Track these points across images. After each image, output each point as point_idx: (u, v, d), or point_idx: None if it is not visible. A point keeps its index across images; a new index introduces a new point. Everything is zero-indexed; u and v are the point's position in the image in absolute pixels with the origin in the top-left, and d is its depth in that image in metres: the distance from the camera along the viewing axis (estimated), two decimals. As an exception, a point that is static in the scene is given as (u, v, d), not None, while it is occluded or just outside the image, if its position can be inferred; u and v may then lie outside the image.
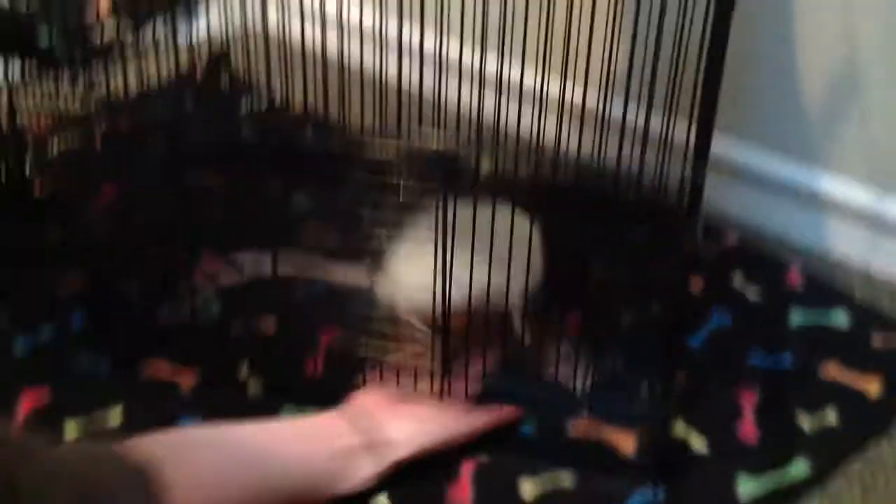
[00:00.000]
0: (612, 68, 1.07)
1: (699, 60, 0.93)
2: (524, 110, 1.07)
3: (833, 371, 1.09)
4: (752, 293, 1.20)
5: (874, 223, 1.26)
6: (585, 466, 0.97)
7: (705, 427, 1.02)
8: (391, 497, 0.94)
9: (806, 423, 1.03)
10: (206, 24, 1.30)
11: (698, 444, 1.00)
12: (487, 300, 0.93)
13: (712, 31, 0.81)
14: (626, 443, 1.00)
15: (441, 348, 0.96)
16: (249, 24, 1.30)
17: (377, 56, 1.19)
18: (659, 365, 1.00)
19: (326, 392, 1.02)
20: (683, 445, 1.00)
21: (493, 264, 0.91)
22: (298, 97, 1.11)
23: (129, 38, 1.06)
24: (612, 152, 1.09)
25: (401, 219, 0.99)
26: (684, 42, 0.93)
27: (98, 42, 1.02)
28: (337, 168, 0.94)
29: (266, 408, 1.02)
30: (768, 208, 1.33)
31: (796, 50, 1.26)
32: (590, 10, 0.93)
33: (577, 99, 1.13)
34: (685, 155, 1.10)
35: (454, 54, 1.15)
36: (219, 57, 1.59)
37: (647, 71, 0.92)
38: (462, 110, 1.19)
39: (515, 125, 1.09)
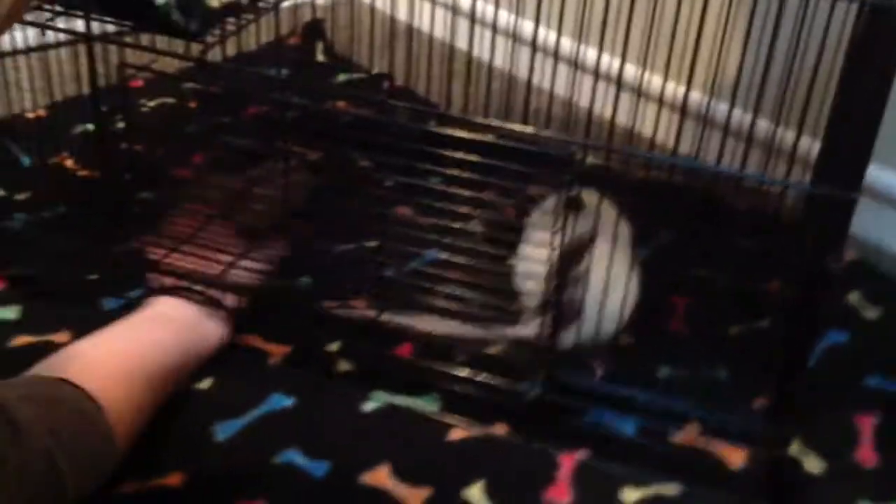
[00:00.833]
0: (723, 72, 1.03)
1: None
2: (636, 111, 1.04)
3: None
4: (870, 312, 1.14)
5: None
6: (690, 477, 0.92)
7: (820, 448, 0.96)
8: (487, 495, 0.89)
9: (928, 451, 0.97)
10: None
11: (813, 465, 0.95)
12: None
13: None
14: (734, 456, 0.95)
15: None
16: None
17: (475, 38, 1.16)
18: (774, 381, 0.95)
19: (416, 380, 0.99)
20: (797, 465, 0.95)
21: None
22: (398, 72, 1.09)
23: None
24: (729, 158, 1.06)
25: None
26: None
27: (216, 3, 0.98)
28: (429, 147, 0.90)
29: (354, 390, 0.99)
30: (889, 225, 1.26)
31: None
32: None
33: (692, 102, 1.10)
34: (815, 169, 1.06)
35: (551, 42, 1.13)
36: (313, 25, 1.57)
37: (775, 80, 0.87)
38: (556, 100, 1.16)
39: (623, 122, 1.04)
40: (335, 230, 1.14)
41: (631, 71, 1.20)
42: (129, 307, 1.07)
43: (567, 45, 1.24)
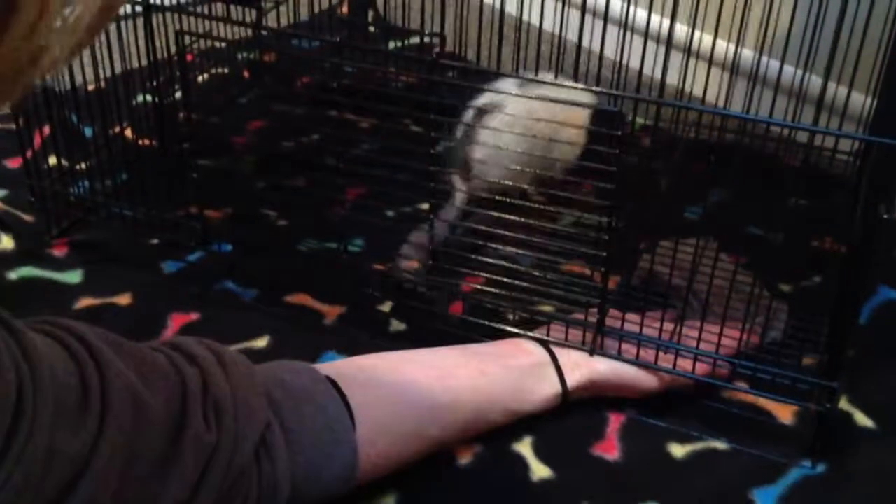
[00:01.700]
0: (775, 28, 1.02)
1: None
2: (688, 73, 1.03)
3: None
4: (923, 268, 1.13)
5: None
6: (739, 432, 0.93)
7: (871, 404, 0.97)
8: (536, 450, 0.91)
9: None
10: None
11: (862, 421, 0.95)
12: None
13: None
14: (784, 412, 0.96)
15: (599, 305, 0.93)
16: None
17: (525, 1, 1.17)
18: (825, 336, 0.95)
19: (467, 338, 1.00)
20: (846, 421, 0.95)
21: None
22: (449, 39, 1.09)
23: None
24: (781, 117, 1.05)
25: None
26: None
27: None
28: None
29: (406, 349, 1.00)
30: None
31: None
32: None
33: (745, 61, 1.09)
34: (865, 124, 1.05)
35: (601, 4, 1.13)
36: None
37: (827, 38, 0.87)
38: (605, 62, 1.16)
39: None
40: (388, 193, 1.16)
41: (681, 30, 1.20)
42: (189, 271, 1.10)
43: (616, 5, 1.23)
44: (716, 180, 1.24)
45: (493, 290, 0.97)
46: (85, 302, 1.05)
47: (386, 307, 1.06)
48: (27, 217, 1.15)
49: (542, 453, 0.91)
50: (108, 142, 1.15)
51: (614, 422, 0.94)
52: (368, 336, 1.03)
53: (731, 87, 1.18)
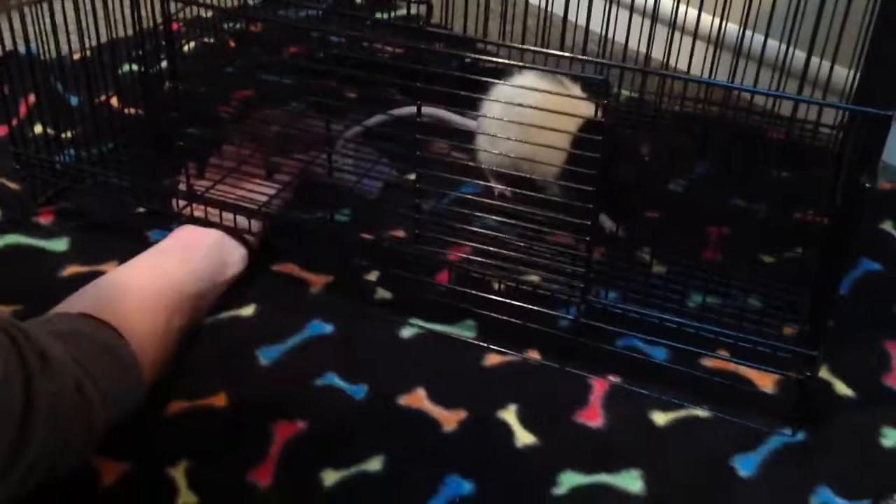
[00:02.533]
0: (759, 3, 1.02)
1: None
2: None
3: None
4: (904, 241, 1.14)
5: None
6: (720, 400, 0.94)
7: (851, 374, 0.98)
8: (520, 417, 0.92)
9: (959, 377, 0.98)
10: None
11: (842, 390, 0.96)
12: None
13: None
14: (765, 380, 0.97)
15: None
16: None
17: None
18: (806, 306, 0.97)
19: (452, 307, 1.02)
20: (827, 389, 0.96)
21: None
22: (435, 12, 1.10)
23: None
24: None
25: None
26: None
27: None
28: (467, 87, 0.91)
29: (392, 318, 1.02)
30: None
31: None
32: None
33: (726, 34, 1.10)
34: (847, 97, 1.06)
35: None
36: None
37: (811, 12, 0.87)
38: (591, 36, 1.16)
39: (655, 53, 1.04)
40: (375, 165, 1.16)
41: (666, 4, 1.20)
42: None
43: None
44: (700, 153, 1.25)
45: (479, 258, 0.98)
46: (72, 269, 1.05)
47: (372, 276, 1.07)
48: (12, 185, 1.15)
49: (526, 420, 0.92)
50: (94, 111, 1.15)
51: (598, 389, 0.95)
52: (354, 305, 1.03)
53: (715, 61, 1.19)
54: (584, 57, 0.83)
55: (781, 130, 1.21)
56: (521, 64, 0.86)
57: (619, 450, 0.89)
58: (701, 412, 0.93)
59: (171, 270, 0.98)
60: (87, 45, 1.07)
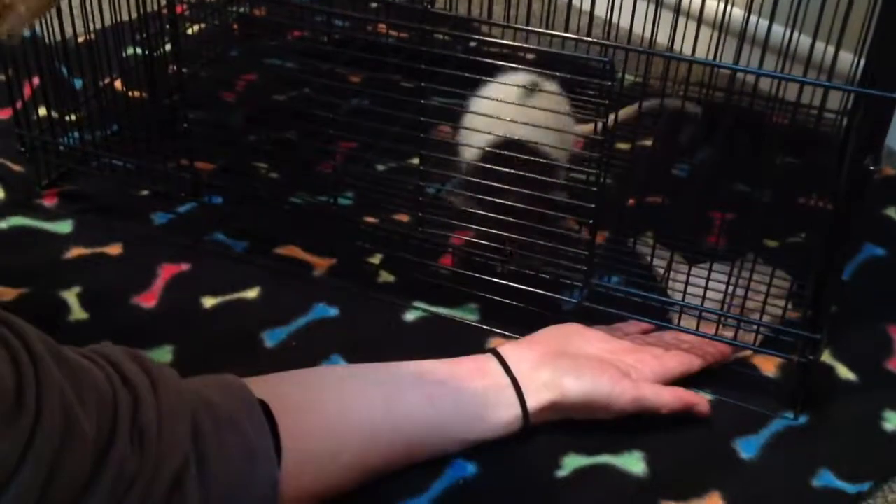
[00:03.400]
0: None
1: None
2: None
3: None
4: (908, 226, 1.14)
5: None
6: (722, 384, 0.94)
7: (853, 358, 0.98)
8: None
9: (961, 362, 0.98)
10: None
11: (846, 374, 0.97)
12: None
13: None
14: (767, 365, 0.97)
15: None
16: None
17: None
18: (809, 290, 0.97)
19: (456, 291, 1.02)
20: (830, 373, 0.96)
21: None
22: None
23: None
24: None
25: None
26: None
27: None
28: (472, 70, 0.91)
29: (396, 301, 1.02)
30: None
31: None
32: None
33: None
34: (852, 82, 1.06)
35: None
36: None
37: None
38: (596, 21, 1.16)
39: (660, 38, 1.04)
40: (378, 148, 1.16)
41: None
42: (179, 222, 1.11)
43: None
44: (704, 138, 1.24)
45: (482, 242, 0.98)
46: (76, 251, 1.05)
47: (376, 259, 1.07)
48: (17, 167, 1.15)
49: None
50: (98, 94, 1.15)
51: (600, 373, 0.95)
52: (358, 288, 1.04)
53: (720, 46, 1.18)
54: (589, 38, 0.83)
55: (785, 115, 1.21)
56: (521, 44, 0.85)
57: (621, 432, 0.90)
58: (704, 395, 0.94)
59: (406, 400, 0.82)
60: (91, 28, 1.07)
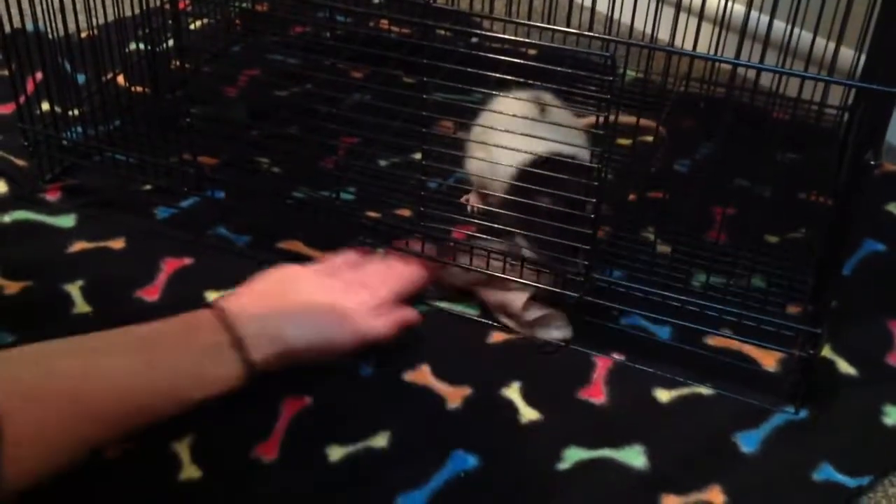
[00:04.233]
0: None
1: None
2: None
3: None
4: (908, 222, 1.14)
5: None
6: (724, 378, 0.95)
7: (854, 353, 0.98)
8: (524, 394, 0.93)
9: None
10: None
11: (846, 368, 0.97)
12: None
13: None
14: (768, 359, 0.97)
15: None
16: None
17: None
18: (810, 285, 0.97)
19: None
20: (830, 368, 0.97)
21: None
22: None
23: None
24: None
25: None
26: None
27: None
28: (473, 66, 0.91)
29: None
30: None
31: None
32: None
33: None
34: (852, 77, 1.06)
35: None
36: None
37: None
38: (597, 17, 1.16)
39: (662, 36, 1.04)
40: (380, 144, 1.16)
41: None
42: (182, 216, 1.11)
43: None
44: (705, 134, 1.25)
45: (482, 236, 0.98)
46: (79, 245, 1.05)
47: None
48: (20, 162, 1.16)
49: (529, 397, 0.93)
50: (101, 89, 1.15)
51: (601, 367, 0.96)
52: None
53: (721, 42, 1.18)
54: (590, 34, 0.83)
55: (786, 111, 1.21)
56: (523, 39, 0.85)
57: (622, 426, 0.90)
58: (704, 390, 0.94)
59: (117, 367, 0.79)
60: (93, 23, 1.08)
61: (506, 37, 0.84)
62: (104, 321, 0.95)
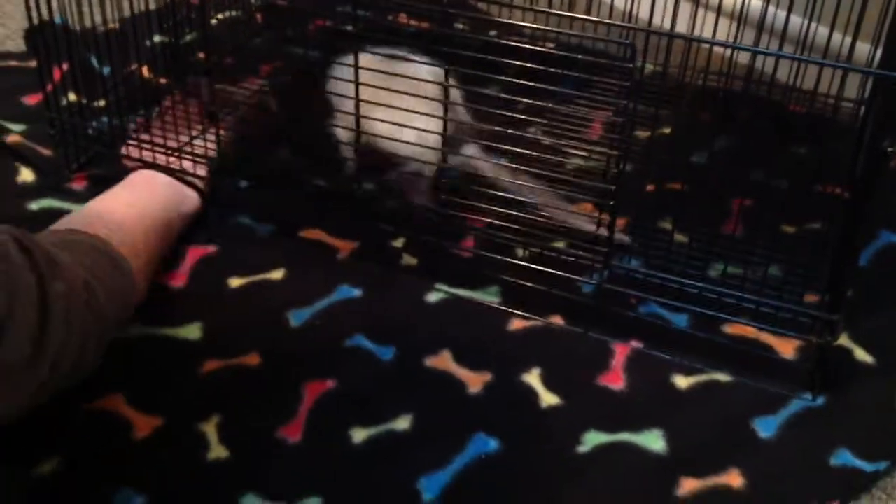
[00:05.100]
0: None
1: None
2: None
3: None
4: (923, 214, 1.15)
5: None
6: (741, 365, 0.96)
7: (870, 342, 0.99)
8: (544, 380, 0.94)
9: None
10: None
11: (863, 356, 0.98)
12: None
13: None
14: (786, 347, 0.99)
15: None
16: None
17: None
18: (827, 273, 0.98)
19: (477, 273, 1.04)
20: (847, 356, 0.98)
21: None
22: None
23: None
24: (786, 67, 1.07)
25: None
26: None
27: None
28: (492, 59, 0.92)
29: (418, 283, 1.04)
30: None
31: None
32: None
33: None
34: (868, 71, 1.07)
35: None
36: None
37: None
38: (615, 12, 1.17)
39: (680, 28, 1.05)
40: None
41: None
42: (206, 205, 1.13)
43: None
44: (722, 127, 1.26)
45: (503, 223, 1.00)
46: (105, 232, 1.07)
47: (398, 243, 1.09)
48: (46, 151, 1.17)
49: (550, 383, 0.94)
50: (125, 80, 1.17)
51: (620, 354, 0.97)
52: (381, 270, 1.05)
53: (739, 37, 1.20)
54: (610, 21, 0.84)
55: (804, 105, 1.22)
56: (544, 27, 0.87)
57: (641, 411, 0.91)
58: (722, 376, 0.95)
59: (142, 198, 1.04)
60: (117, 16, 1.09)
61: (525, 24, 0.85)
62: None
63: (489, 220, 1.02)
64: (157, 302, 0.99)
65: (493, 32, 1.31)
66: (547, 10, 0.85)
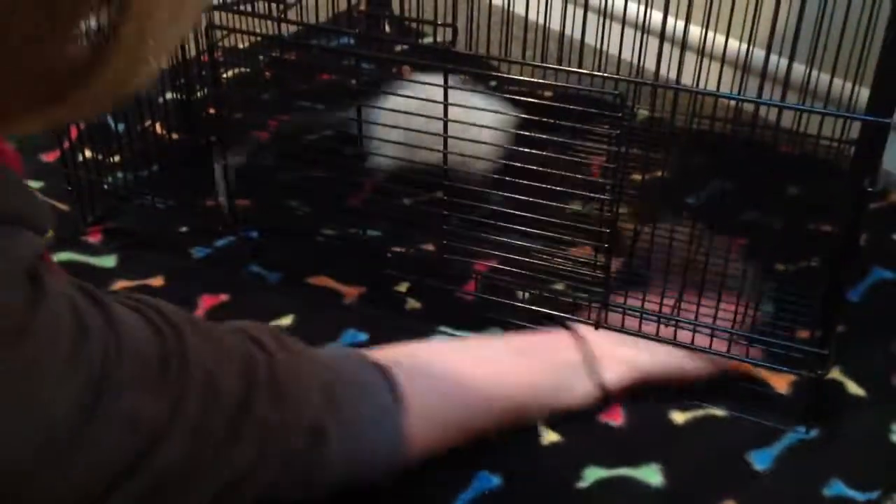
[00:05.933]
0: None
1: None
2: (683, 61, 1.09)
3: None
4: (914, 251, 1.18)
5: None
6: (737, 400, 0.99)
7: (862, 376, 1.02)
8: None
9: (967, 378, 1.01)
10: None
11: (855, 390, 1.00)
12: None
13: None
14: (780, 382, 1.01)
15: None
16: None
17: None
18: (818, 310, 1.01)
19: (479, 316, 1.07)
20: (839, 389, 1.00)
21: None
22: (461, 37, 1.15)
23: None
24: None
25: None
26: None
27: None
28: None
29: (423, 326, 1.07)
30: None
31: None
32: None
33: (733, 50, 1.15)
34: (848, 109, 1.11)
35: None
36: (380, -1, 1.65)
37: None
38: (610, 59, 1.21)
39: (671, 74, 1.09)
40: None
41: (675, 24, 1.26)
42: (217, 256, 1.17)
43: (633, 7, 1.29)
44: (714, 170, 1.29)
45: (505, 268, 1.03)
46: (120, 284, 1.11)
47: (402, 287, 1.12)
48: (62, 206, 1.22)
49: (550, 420, 0.96)
50: (139, 136, 1.22)
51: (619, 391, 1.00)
52: (386, 314, 1.09)
53: (742, 85, 1.23)
54: (599, 73, 0.89)
55: (800, 146, 1.26)
56: (539, 80, 0.91)
57: (639, 446, 0.94)
58: (718, 411, 0.98)
59: (505, 367, 0.92)
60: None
61: (523, 78, 0.90)
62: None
63: (491, 264, 1.05)
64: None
65: (492, 83, 1.35)
66: (541, 64, 0.89)
